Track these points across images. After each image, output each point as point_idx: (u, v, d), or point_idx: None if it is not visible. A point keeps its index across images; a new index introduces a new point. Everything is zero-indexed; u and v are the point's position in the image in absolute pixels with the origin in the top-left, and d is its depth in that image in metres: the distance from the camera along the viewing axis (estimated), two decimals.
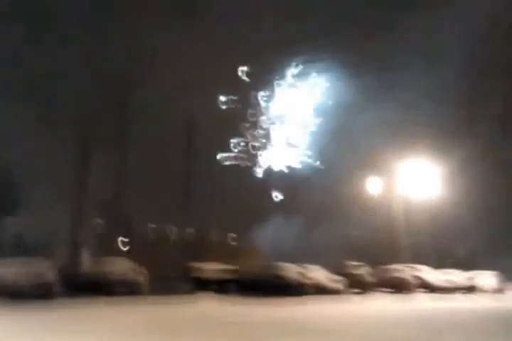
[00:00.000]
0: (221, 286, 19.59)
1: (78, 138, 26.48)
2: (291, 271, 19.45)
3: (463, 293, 24.88)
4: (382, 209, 33.49)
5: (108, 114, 27.10)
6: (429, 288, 24.02)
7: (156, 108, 27.28)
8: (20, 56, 24.52)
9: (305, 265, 21.17)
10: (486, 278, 26.41)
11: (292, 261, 21.56)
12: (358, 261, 27.12)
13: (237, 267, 21.33)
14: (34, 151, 26.13)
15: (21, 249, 25.49)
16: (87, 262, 21.21)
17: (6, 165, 27.09)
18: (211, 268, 20.13)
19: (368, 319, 13.29)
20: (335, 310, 15.65)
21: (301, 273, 19.38)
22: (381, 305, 18.70)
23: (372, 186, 33.73)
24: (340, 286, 20.01)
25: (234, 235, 38.56)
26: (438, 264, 30.86)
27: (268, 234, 33.44)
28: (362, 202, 33.40)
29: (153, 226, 34.12)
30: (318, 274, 20.19)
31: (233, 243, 34.76)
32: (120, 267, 17.12)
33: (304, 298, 17.66)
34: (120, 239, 32.46)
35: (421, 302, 20.37)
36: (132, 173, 28.00)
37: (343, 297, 19.38)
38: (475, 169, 31.51)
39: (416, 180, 32.05)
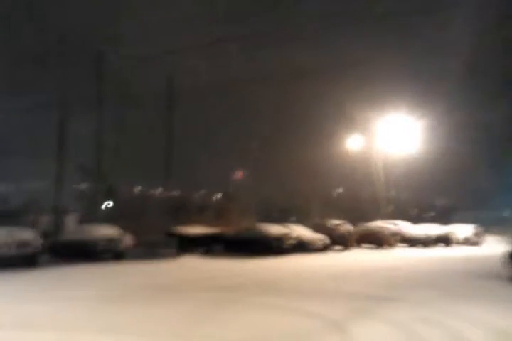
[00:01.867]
0: (206, 248, 19.97)
1: (58, 101, 25.96)
2: (275, 230, 19.84)
3: (441, 245, 25.71)
4: (363, 166, 33.92)
5: (86, 76, 26.48)
6: (409, 242, 24.76)
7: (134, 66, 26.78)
8: None
9: (287, 224, 21.58)
10: (464, 231, 27.23)
11: (277, 221, 21.99)
12: (340, 218, 27.79)
13: (221, 229, 21.66)
14: (14, 117, 25.72)
15: (6, 215, 25.46)
16: (72, 229, 21.38)
17: None
18: (196, 232, 20.41)
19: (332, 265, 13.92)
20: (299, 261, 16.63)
21: (283, 232, 19.79)
22: (354, 256, 19.67)
23: (353, 143, 33.98)
24: (321, 243, 20.52)
25: (219, 196, 39.01)
26: (419, 219, 31.78)
27: (254, 195, 33.93)
28: (343, 160, 33.76)
29: (138, 189, 34.33)
30: (300, 233, 20.63)
31: (220, 205, 35.16)
32: (104, 233, 17.24)
33: (285, 255, 18.23)
34: (105, 204, 32.64)
35: (393, 253, 21.26)
36: (114, 137, 27.77)
37: (324, 253, 20.00)
38: (453, 122, 31.83)
39: (395, 136, 32.31)
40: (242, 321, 7.16)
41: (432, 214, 44.77)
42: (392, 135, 32.48)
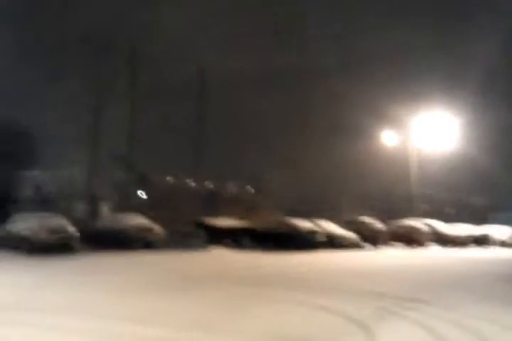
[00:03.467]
0: (236, 241, 20.06)
1: (91, 92, 26.39)
2: (305, 225, 19.75)
3: (476, 246, 25.03)
4: (398, 164, 33.27)
5: (119, 66, 26.79)
6: (442, 242, 24.20)
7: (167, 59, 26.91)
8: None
9: (317, 220, 21.43)
10: (501, 232, 26.45)
11: (306, 216, 21.84)
12: (373, 215, 27.40)
13: (251, 222, 21.71)
14: (49, 105, 26.26)
15: (41, 203, 26.19)
16: (104, 217, 21.84)
17: (22, 119, 27.27)
18: (226, 224, 20.52)
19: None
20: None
21: (314, 228, 19.68)
22: (384, 254, 19.31)
23: (388, 140, 33.36)
24: (350, 240, 20.30)
25: (251, 190, 39.00)
26: (454, 218, 30.97)
27: (285, 189, 33.76)
28: (378, 157, 33.20)
29: (170, 180, 34.57)
30: (330, 229, 20.46)
31: (250, 198, 35.19)
32: (136, 222, 17.53)
33: (314, 251, 18.12)
34: (138, 192, 33.12)
35: (424, 253, 20.81)
36: (147, 127, 28.04)
37: (354, 250, 19.77)
38: (491, 119, 30.81)
39: (431, 133, 31.50)
40: (262, 316, 7.11)
41: (468, 214, 43.55)
42: (430, 132, 31.70)
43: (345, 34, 31.65)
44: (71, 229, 15.46)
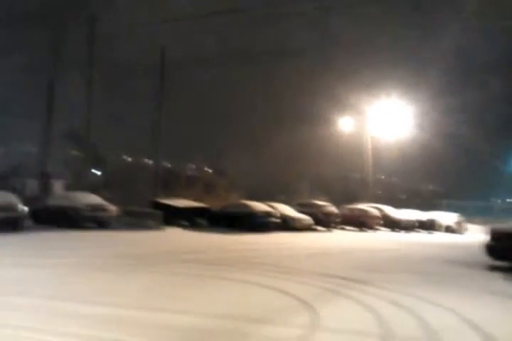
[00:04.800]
0: (191, 221, 20.12)
1: (47, 66, 25.50)
2: (260, 206, 20.01)
3: (422, 230, 26.08)
4: (354, 150, 33.97)
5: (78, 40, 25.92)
6: (391, 226, 25.07)
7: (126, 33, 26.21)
8: None
9: (272, 203, 21.72)
10: (447, 219, 27.60)
11: (263, 199, 22.14)
12: (328, 199, 28.01)
13: (207, 203, 21.80)
14: (5, 78, 25.24)
15: None
16: (56, 195, 21.34)
17: None
18: (181, 204, 20.51)
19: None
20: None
21: (268, 209, 19.97)
22: (335, 237, 19.96)
23: (345, 126, 33.97)
24: (304, 222, 20.77)
25: (210, 171, 38.99)
26: (405, 204, 32.06)
27: (243, 172, 33.95)
28: (335, 143, 33.80)
29: (127, 159, 34.13)
30: (285, 211, 20.83)
31: (208, 179, 35.19)
32: (88, 201, 17.27)
33: (268, 233, 18.46)
34: (93, 171, 32.48)
35: (374, 236, 21.55)
36: (104, 104, 27.39)
37: (307, 233, 20.25)
38: (446, 106, 31.78)
39: (387, 120, 32.29)
40: (209, 296, 7.22)
41: (419, 200, 45.13)
42: (384, 119, 32.46)
43: (309, 17, 31.72)
44: (20, 206, 15.09)
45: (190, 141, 34.16)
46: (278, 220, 19.70)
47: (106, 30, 24.96)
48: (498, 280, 9.87)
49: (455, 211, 29.08)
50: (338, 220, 23.10)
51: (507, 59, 32.32)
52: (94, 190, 22.36)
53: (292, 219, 20.49)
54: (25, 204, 15.80)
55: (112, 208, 17.41)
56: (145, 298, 6.94)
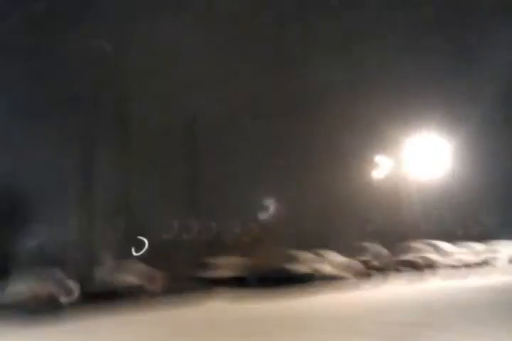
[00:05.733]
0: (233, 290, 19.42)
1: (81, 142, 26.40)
2: (303, 266, 19.30)
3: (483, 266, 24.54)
4: (393, 190, 33.14)
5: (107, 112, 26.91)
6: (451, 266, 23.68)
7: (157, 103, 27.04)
8: None
9: (320, 251, 21.02)
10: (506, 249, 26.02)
11: (309, 248, 21.44)
12: (377, 241, 26.96)
13: (251, 265, 21.18)
14: (39, 158, 26.19)
15: (42, 260, 25.74)
16: (103, 270, 21.28)
17: (16, 174, 27.21)
18: (221, 274, 19.94)
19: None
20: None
21: (313, 268, 19.25)
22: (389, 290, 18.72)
23: (381, 166, 33.35)
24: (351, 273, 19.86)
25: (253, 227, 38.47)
26: (464, 237, 30.49)
27: (286, 223, 33.37)
28: (372, 184, 33.12)
29: (167, 226, 34.11)
30: (332, 261, 20.07)
31: (252, 235, 34.69)
32: (135, 272, 17.17)
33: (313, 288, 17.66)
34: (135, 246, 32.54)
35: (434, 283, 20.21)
36: (138, 173, 27.86)
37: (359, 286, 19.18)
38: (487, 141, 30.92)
39: (424, 158, 31.60)
40: None
41: (478, 231, 43.00)
42: (424, 156, 31.86)
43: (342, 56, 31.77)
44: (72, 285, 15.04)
45: (229, 199, 33.98)
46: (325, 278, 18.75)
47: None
48: None
49: None
50: (390, 262, 21.96)
51: None
52: (139, 257, 22.34)
53: (336, 271, 19.52)
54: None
55: (159, 275, 17.17)
56: None
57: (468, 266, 23.61)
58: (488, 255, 24.90)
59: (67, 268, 18.10)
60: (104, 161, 27.07)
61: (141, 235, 31.61)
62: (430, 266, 22.60)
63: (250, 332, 9.53)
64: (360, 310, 12.51)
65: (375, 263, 21.31)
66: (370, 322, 10.11)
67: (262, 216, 37.13)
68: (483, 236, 32.69)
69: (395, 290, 18.28)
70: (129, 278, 16.72)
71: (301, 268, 18.49)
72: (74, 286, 15.41)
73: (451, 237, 29.46)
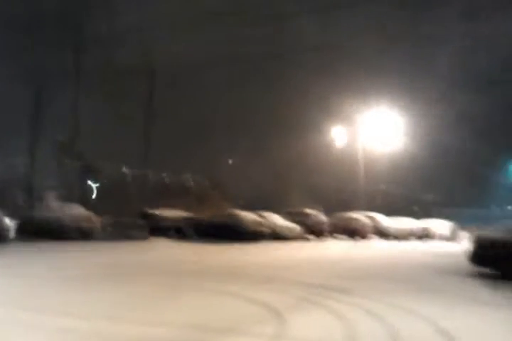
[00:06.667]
0: (179, 232, 19.97)
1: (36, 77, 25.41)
2: (249, 217, 19.88)
3: (416, 239, 25.93)
4: (347, 159, 33.91)
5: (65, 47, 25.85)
6: (383, 234, 24.90)
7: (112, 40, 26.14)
8: None
9: (262, 212, 21.59)
10: (440, 227, 27.46)
11: (255, 209, 22.00)
12: (320, 208, 27.84)
13: (196, 214, 21.67)
14: None
15: None
16: (44, 207, 21.22)
17: None
18: (169, 214, 20.38)
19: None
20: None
21: (258, 219, 19.84)
22: (323, 246, 19.69)
23: (338, 136, 33.96)
24: (294, 231, 20.65)
25: (202, 181, 38.77)
26: (403, 213, 31.86)
27: (235, 182, 33.83)
28: (328, 152, 33.77)
29: (116, 170, 33.87)
30: (275, 221, 20.70)
31: (200, 189, 35.03)
32: (73, 212, 17.17)
33: (256, 243, 18.30)
34: (89, 183, 32.32)
35: (364, 244, 21.37)
36: (93, 114, 27.23)
37: (296, 242, 20.09)
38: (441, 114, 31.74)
39: (380, 129, 32.29)
40: (184, 306, 7.11)
41: (417, 208, 44.92)
42: (378, 127, 32.47)
43: (296, 24, 31.51)
44: (5, 219, 15.01)
45: (183, 150, 33.94)
46: (267, 230, 19.55)
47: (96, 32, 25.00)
48: (477, 288, 9.74)
49: (453, 219, 28.94)
50: (328, 229, 22.93)
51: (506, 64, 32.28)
52: (86, 201, 22.27)
53: (280, 228, 20.34)
54: (14, 218, 15.72)
55: (97, 219, 17.28)
56: (119, 309, 6.79)
57: (398, 237, 24.86)
58: (420, 231, 26.20)
59: (6, 206, 17.88)
60: (59, 99, 26.29)
61: (90, 177, 31.37)
62: (363, 235, 23.65)
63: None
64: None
65: (314, 228, 22.08)
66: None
67: (214, 172, 37.44)
68: (420, 214, 34.31)
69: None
70: (68, 219, 16.64)
71: (242, 226, 18.95)
72: (10, 224, 15.32)
73: (393, 211, 30.69)
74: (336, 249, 18.74)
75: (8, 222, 15.33)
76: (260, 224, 19.65)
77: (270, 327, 6.03)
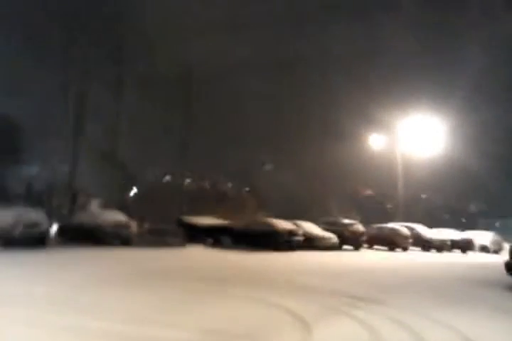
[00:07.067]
0: (214, 240, 20.13)
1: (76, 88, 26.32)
2: (284, 225, 19.83)
3: (457, 251, 25.16)
4: (386, 167, 33.35)
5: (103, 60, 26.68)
6: (423, 245, 24.29)
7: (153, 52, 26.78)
8: None
9: (298, 221, 21.49)
10: (482, 238, 26.57)
11: (291, 218, 21.90)
12: (359, 218, 27.52)
13: (232, 222, 21.79)
14: (35, 100, 26.18)
15: (28, 198, 26.29)
16: (84, 213, 21.89)
17: (10, 115, 27.28)
18: (205, 222, 20.60)
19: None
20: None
21: (292, 228, 19.77)
22: (360, 256, 19.39)
23: (376, 144, 33.46)
24: (329, 241, 20.43)
25: (239, 189, 39.02)
26: (446, 223, 31.00)
27: (273, 190, 33.83)
28: (365, 160, 33.30)
29: (157, 178, 34.61)
30: (309, 230, 20.57)
31: (237, 197, 35.24)
32: (113, 218, 17.63)
33: (291, 251, 18.25)
34: (130, 190, 33.14)
35: (402, 256, 20.89)
36: (130, 123, 27.94)
37: (331, 252, 19.87)
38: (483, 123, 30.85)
39: (419, 137, 31.59)
40: (214, 312, 7.17)
41: (461, 219, 43.66)
42: (417, 135, 31.79)
43: (342, 36, 31.49)
44: (46, 223, 15.56)
45: (221, 159, 34.26)
46: (301, 239, 19.44)
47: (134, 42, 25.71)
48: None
49: (499, 230, 28.08)
50: (364, 239, 22.56)
51: None
52: (124, 208, 22.81)
53: (316, 237, 20.18)
54: (58, 222, 16.27)
55: (135, 226, 17.70)
56: (148, 313, 6.95)
57: (438, 249, 24.20)
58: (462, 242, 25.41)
59: (51, 211, 18.61)
60: (103, 109, 27.14)
61: (131, 184, 32.16)
62: (403, 247, 23.16)
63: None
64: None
65: (351, 238, 21.79)
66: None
67: (251, 180, 37.60)
68: (466, 225, 33.29)
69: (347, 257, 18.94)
70: (108, 225, 17.13)
71: (277, 235, 18.93)
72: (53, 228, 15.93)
73: (434, 222, 29.97)
74: (371, 259, 18.44)
75: (49, 226, 15.88)
76: (296, 232, 19.55)
77: (293, 335, 6.04)
